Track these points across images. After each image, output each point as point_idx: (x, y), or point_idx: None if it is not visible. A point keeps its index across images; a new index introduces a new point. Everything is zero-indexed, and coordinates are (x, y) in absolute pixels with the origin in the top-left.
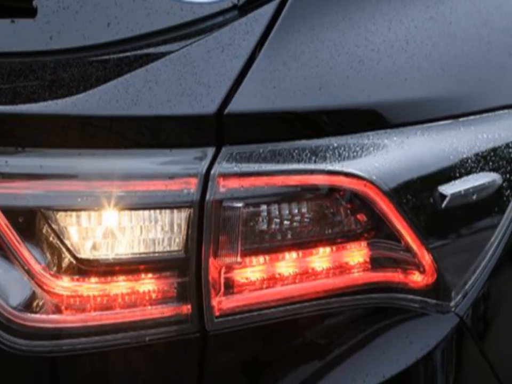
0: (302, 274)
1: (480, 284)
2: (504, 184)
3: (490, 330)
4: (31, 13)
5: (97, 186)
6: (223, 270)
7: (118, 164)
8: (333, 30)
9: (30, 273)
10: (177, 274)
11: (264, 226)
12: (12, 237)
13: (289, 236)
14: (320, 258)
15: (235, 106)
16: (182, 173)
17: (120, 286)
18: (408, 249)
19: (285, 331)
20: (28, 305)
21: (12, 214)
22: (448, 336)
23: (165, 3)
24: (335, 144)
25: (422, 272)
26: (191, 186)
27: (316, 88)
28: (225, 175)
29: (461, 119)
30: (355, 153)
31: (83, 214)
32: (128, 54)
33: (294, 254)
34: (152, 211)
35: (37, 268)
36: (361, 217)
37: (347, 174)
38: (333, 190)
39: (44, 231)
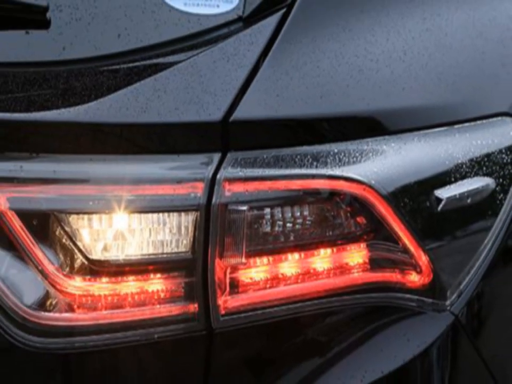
0: (304, 274)
1: (474, 284)
2: (497, 188)
3: (484, 328)
4: (44, 24)
5: (108, 190)
6: (228, 271)
7: (128, 168)
8: (333, 41)
9: (43, 273)
10: (184, 274)
11: (268, 229)
12: (27, 238)
13: (291, 238)
14: (321, 259)
15: (240, 114)
16: (189, 177)
17: (130, 285)
18: (405, 250)
19: (288, 329)
20: (42, 304)
21: (27, 217)
22: (443, 333)
23: (173, 15)
24: (336, 150)
25: (419, 272)
26: (198, 190)
27: (317, 97)
28: (231, 180)
29: (456, 126)
30: (355, 159)
31: (94, 217)
32: (137, 63)
33: (296, 255)
34: (160, 214)
35: (50, 268)
36: (361, 220)
37: (347, 179)
38: (333, 194)
39: (57, 233)
